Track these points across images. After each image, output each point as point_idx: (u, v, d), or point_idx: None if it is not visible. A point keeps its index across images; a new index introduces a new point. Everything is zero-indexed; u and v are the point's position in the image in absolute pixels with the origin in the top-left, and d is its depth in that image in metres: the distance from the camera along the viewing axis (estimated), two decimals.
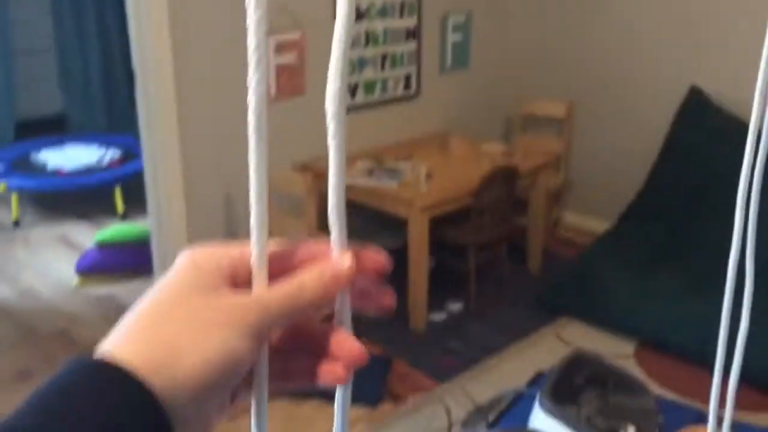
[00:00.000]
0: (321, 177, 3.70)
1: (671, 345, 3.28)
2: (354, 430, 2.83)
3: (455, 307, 3.84)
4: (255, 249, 0.42)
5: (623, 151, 4.47)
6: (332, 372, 0.44)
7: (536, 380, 2.64)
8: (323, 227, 3.37)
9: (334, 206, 0.44)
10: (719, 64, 4.00)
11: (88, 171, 5.06)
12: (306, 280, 0.43)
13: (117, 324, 0.40)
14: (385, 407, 3.00)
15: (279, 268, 0.43)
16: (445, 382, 3.17)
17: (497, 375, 3.19)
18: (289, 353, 0.45)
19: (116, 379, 0.37)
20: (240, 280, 0.43)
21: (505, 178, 3.72)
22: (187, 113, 3.38)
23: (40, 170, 5.07)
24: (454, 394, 3.07)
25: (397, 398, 3.06)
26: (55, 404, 0.36)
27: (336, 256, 0.44)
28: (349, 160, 3.86)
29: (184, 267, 0.42)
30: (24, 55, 6.28)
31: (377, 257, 0.45)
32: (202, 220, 3.50)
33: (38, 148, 5.43)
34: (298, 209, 3.31)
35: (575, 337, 3.46)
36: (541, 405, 2.43)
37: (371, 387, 3.09)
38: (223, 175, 3.51)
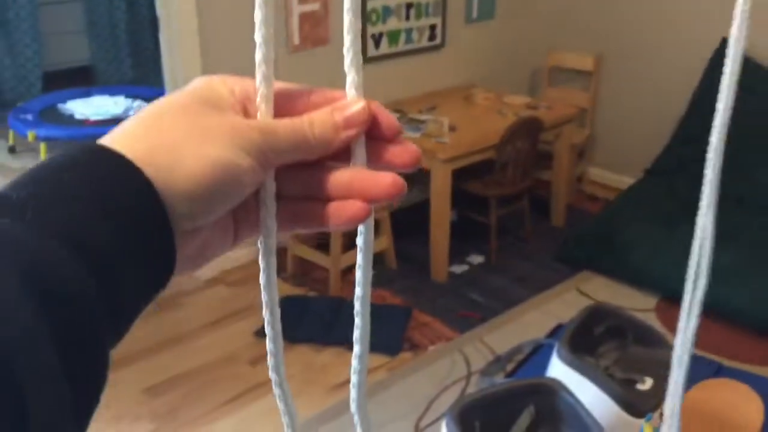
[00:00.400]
0: None
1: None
2: (374, 377, 2.88)
3: (476, 259, 3.85)
4: (259, 72, 0.41)
5: (651, 105, 4.41)
6: (350, 207, 0.42)
7: (555, 332, 2.66)
8: None
9: (350, 50, 0.41)
10: (751, 16, 3.90)
11: (115, 121, 5.10)
12: (315, 116, 0.41)
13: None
14: (405, 356, 3.04)
15: (290, 110, 0.42)
16: (464, 332, 3.20)
17: (516, 326, 3.22)
18: (299, 199, 0.43)
19: (116, 162, 0.36)
20: (251, 113, 0.42)
21: (528, 130, 3.69)
22: (211, 64, 3.39)
23: (67, 120, 5.12)
24: (473, 344, 3.10)
25: (416, 347, 3.10)
26: (51, 178, 0.35)
27: (349, 97, 0.42)
28: None
29: (197, 85, 0.42)
30: (51, 6, 6.30)
31: (389, 116, 0.43)
32: None
33: (65, 98, 5.48)
34: None
35: (596, 290, 3.46)
36: (559, 355, 2.45)
37: (391, 336, 3.13)
38: None
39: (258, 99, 0.41)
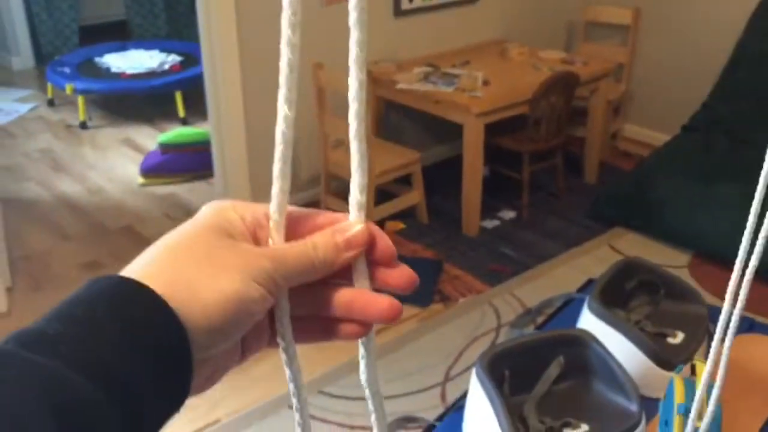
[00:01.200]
0: (376, 81, 3.70)
1: (726, 256, 3.25)
2: (405, 328, 2.93)
3: (508, 215, 3.86)
4: (274, 202, 0.44)
5: (689, 60, 4.33)
6: (351, 329, 0.45)
7: (586, 286, 2.67)
8: (377, 132, 3.39)
9: (357, 186, 0.44)
10: None
11: (150, 74, 5.15)
12: (318, 239, 0.44)
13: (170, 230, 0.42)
14: (436, 307, 3.08)
15: (297, 231, 0.45)
16: (495, 285, 3.23)
17: (547, 281, 3.23)
18: (304, 318, 0.46)
19: (141, 295, 0.38)
20: (261, 239, 0.44)
21: (563, 85, 3.66)
22: (246, 19, 3.40)
23: (104, 73, 5.18)
24: (503, 297, 3.13)
25: (447, 299, 3.14)
26: (80, 313, 0.37)
27: (350, 219, 0.45)
28: (406, 65, 3.86)
29: (207, 213, 0.43)
30: None
31: (387, 240, 0.45)
32: (259, 123, 3.56)
33: (101, 52, 5.53)
34: None
35: (628, 247, 3.46)
36: (590, 307, 2.47)
37: (423, 288, 3.17)
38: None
39: (271, 226, 0.44)
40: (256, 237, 0.44)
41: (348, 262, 0.44)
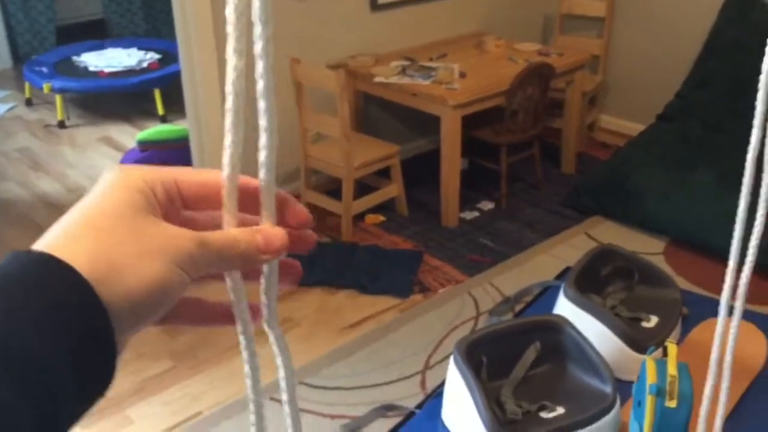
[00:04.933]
0: (353, 75, 3.72)
1: (701, 242, 3.31)
2: (385, 318, 2.96)
3: (487, 206, 3.90)
4: (226, 154, 0.43)
5: (664, 51, 4.38)
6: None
7: (564, 274, 2.71)
8: (356, 126, 3.41)
9: (265, 178, 0.44)
10: None
11: (128, 72, 5.14)
12: (240, 235, 0.43)
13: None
14: (416, 298, 3.11)
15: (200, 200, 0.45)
16: (474, 275, 3.27)
17: (525, 270, 3.27)
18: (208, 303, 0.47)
19: (63, 275, 0.37)
20: (173, 214, 0.43)
21: (539, 76, 3.70)
22: (223, 15, 3.40)
23: (82, 72, 5.16)
24: (482, 286, 3.17)
25: (427, 290, 3.17)
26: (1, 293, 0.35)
27: (269, 224, 0.45)
28: (383, 59, 3.88)
29: (119, 185, 0.41)
30: None
31: (301, 214, 0.47)
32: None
33: (79, 51, 5.51)
34: (332, 108, 3.36)
35: (605, 235, 3.50)
36: (566, 294, 2.51)
37: (402, 279, 3.20)
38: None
39: (224, 177, 0.43)
40: (168, 214, 0.43)
41: (263, 263, 0.45)
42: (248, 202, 0.45)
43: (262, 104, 0.43)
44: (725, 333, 0.97)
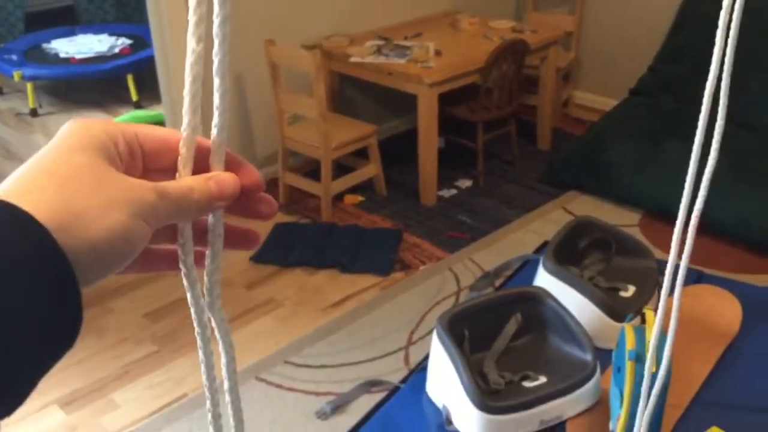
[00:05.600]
0: (329, 56, 3.71)
1: (675, 213, 3.35)
2: (367, 296, 2.98)
3: (464, 183, 3.92)
4: (183, 136, 0.44)
5: (636, 26, 4.41)
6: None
7: (542, 248, 2.74)
8: (332, 107, 3.40)
9: (218, 136, 0.45)
10: None
11: (100, 59, 5.08)
12: (194, 184, 0.44)
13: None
14: (397, 276, 3.13)
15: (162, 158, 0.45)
16: (454, 252, 3.29)
17: (505, 245, 3.30)
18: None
19: (26, 226, 0.36)
20: (135, 166, 0.44)
21: (514, 53, 3.71)
22: None
23: (52, 59, 5.10)
24: (463, 262, 3.20)
25: (408, 268, 3.19)
26: None
27: (220, 170, 0.46)
28: (358, 39, 3.87)
29: (80, 135, 0.41)
30: None
31: (254, 173, 0.47)
32: (212, 103, 3.55)
33: (49, 38, 5.44)
34: (309, 89, 3.35)
35: (581, 209, 3.54)
36: (545, 266, 2.54)
37: (382, 257, 3.21)
38: (233, 57, 3.54)
39: (180, 159, 0.44)
40: (131, 166, 0.43)
41: (217, 209, 0.46)
42: (204, 163, 0.46)
43: (216, 81, 0.44)
44: (675, 294, 0.99)
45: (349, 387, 2.45)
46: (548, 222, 3.44)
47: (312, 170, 3.62)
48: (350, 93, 4.08)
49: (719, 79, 0.70)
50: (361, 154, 3.74)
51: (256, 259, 3.26)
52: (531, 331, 2.36)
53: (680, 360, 1.91)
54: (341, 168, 3.72)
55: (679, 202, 1.50)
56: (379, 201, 3.74)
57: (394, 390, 2.56)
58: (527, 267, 2.88)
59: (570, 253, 2.78)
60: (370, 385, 2.45)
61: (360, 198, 3.74)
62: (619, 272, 2.68)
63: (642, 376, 1.92)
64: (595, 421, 2.03)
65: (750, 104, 3.67)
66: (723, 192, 3.24)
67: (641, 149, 3.67)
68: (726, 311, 2.60)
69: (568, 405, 2.10)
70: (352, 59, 3.65)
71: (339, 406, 2.38)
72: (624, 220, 3.42)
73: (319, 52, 3.36)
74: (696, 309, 2.51)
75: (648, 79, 4.13)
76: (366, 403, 2.36)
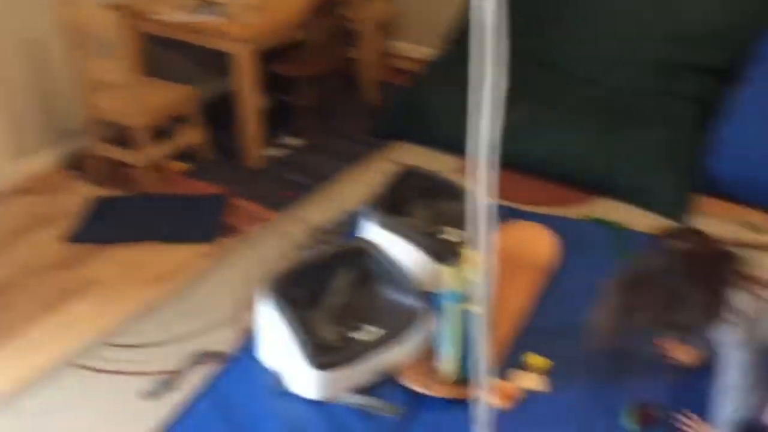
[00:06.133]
0: (136, 16, 3.49)
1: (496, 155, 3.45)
2: (193, 264, 2.85)
3: (293, 142, 3.85)
4: None
5: None
6: None
7: (370, 200, 2.73)
8: (147, 71, 3.19)
9: None
10: None
11: None
12: None
13: None
14: (224, 241, 3.02)
15: None
16: (282, 211, 3.22)
17: (333, 200, 3.27)
18: None
19: None
20: None
21: (331, 5, 3.66)
22: None
23: None
24: (293, 221, 3.13)
25: (234, 231, 3.09)
26: None
27: None
28: None
29: None
30: None
31: None
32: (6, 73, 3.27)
33: None
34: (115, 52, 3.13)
35: (407, 158, 3.55)
36: (371, 217, 2.52)
37: (204, 223, 3.10)
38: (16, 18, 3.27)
39: None
40: None
41: None
42: None
43: None
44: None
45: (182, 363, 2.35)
46: (377, 174, 3.44)
47: (129, 139, 3.41)
48: (166, 56, 3.87)
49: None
50: (185, 120, 3.58)
51: (74, 239, 3.04)
52: (361, 283, 2.36)
53: (500, 294, 1.98)
54: (163, 135, 3.53)
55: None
56: (205, 166, 3.60)
57: (229, 359, 2.48)
58: (355, 220, 2.85)
59: (396, 202, 2.78)
60: (204, 356, 2.35)
61: (184, 165, 3.58)
62: (442, 216, 2.73)
63: (465, 315, 1.96)
64: (426, 364, 2.07)
65: (554, 45, 3.82)
66: (539, 133, 3.37)
67: (458, 96, 3.73)
68: (542, 245, 2.74)
69: (400, 352, 2.11)
70: (161, 17, 3.45)
71: (169, 383, 2.27)
72: (451, 166, 3.48)
73: (123, 12, 3.14)
74: (511, 243, 2.62)
75: (461, 24, 4.20)
76: (201, 377, 2.27)
